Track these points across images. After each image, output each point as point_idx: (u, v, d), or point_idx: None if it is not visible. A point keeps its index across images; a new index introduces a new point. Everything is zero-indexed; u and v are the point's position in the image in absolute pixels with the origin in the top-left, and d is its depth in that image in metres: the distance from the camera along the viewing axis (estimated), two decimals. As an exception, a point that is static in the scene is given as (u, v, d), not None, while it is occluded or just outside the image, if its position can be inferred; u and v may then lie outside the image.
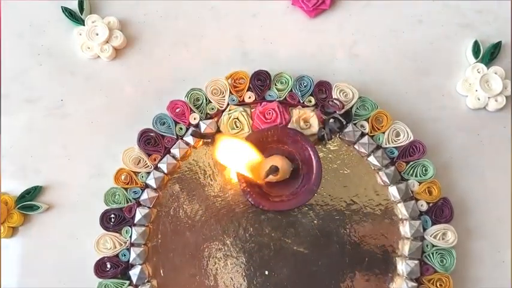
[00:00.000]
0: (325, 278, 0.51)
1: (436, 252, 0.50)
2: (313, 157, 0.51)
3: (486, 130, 0.55)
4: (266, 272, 0.51)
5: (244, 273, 0.51)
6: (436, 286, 0.50)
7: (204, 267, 0.51)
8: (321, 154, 0.54)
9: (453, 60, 0.57)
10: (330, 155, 0.54)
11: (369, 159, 0.53)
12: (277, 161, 0.51)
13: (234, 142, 0.49)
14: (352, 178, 0.53)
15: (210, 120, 0.53)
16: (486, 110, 0.55)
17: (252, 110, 0.54)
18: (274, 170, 0.48)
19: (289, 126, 0.53)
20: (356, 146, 0.53)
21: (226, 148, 0.48)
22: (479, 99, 0.54)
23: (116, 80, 0.56)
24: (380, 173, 0.53)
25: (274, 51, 0.57)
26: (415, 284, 0.50)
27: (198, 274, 0.51)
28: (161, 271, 0.51)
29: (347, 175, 0.54)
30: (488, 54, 0.55)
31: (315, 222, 0.53)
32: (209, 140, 0.52)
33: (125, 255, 0.51)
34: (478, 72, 0.55)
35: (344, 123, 0.52)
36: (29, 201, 0.52)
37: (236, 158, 0.48)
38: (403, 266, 0.50)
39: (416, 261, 0.50)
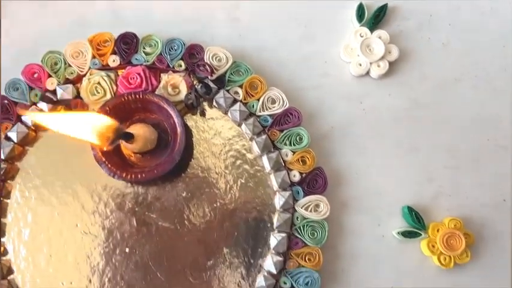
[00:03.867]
0: (190, 254, 0.48)
1: (307, 225, 0.47)
2: (177, 124, 0.47)
3: (369, 98, 0.52)
4: (127, 250, 0.48)
5: (102, 251, 0.47)
6: (305, 260, 0.46)
7: (59, 245, 0.47)
8: (192, 123, 0.50)
9: (339, 24, 0.53)
10: (203, 124, 0.50)
11: (241, 127, 0.50)
12: (138, 129, 0.47)
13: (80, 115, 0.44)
14: (225, 148, 0.50)
15: (68, 85, 0.48)
16: (370, 77, 0.52)
17: (119, 76, 0.50)
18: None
19: (156, 93, 0.49)
20: (229, 114, 0.50)
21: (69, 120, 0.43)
22: (360, 65, 0.51)
23: (-30, 42, 0.51)
24: (252, 142, 0.49)
25: (148, 12, 0.53)
26: (280, 259, 0.46)
27: (53, 253, 0.47)
28: (11, 249, 0.47)
29: (220, 145, 0.50)
30: (373, 18, 0.52)
31: (183, 195, 0.49)
32: (65, 106, 0.48)
33: (-34, 232, 0.46)
34: (361, 36, 0.52)
35: (211, 88, 0.49)
36: None
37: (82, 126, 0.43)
38: (270, 241, 0.47)
39: (283, 234, 0.47)
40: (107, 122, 0.43)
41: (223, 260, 0.47)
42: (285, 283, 0.46)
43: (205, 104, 0.50)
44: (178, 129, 0.47)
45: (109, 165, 0.46)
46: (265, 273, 0.46)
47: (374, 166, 0.51)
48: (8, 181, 0.49)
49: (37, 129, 0.49)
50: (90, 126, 0.42)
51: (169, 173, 0.47)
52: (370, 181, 0.51)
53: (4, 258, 0.47)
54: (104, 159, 0.46)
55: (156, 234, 0.48)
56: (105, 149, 0.43)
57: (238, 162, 0.50)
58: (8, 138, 0.48)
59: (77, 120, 0.41)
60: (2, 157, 0.47)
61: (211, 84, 0.49)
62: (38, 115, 0.41)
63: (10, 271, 0.47)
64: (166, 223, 0.48)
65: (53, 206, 0.48)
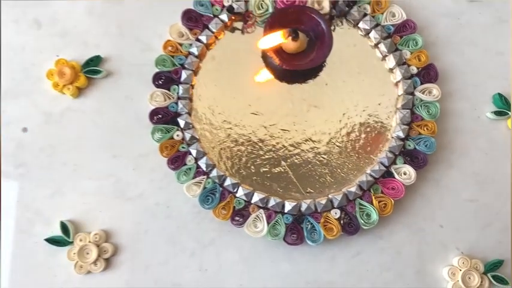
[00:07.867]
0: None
1: (424, 105, 0.63)
2: (325, 29, 0.63)
3: (464, 15, 0.68)
4: (286, 124, 0.64)
5: (266, 127, 0.63)
6: (424, 130, 0.62)
7: (237, 120, 0.63)
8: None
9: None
10: (339, 37, 0.66)
11: (370, 34, 0.65)
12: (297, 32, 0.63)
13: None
14: (356, 54, 0.66)
15: (241, 2, 0.65)
16: (465, 0, 0.68)
17: (277, -4, 0.66)
18: (294, 31, 0.60)
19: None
20: (360, 25, 0.65)
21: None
22: (458, -10, 0.67)
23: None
24: (379, 45, 0.65)
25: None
26: (406, 127, 0.62)
27: (232, 123, 0.63)
28: (203, 116, 0.63)
29: (352, 51, 0.66)
30: (467, -47, 0.68)
31: (327, 84, 0.65)
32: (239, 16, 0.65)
33: (173, 107, 0.62)
34: (459, -33, 0.67)
35: (351, 5, 0.65)
36: (92, 67, 0.63)
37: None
38: (397, 115, 0.63)
39: (407, 110, 0.62)
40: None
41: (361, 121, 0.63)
42: (409, 145, 0.62)
43: (338, 21, 0.66)
44: (326, 33, 0.63)
45: (278, 59, 0.62)
46: (395, 138, 0.62)
47: (470, 66, 0.66)
48: (194, 77, 0.65)
49: (217, 35, 0.65)
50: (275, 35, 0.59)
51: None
52: (467, 77, 0.66)
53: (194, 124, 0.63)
54: (272, 55, 0.62)
55: (309, 113, 0.64)
56: (286, 41, 0.60)
57: (368, 63, 0.65)
58: (198, 40, 0.64)
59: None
60: (196, 53, 0.63)
61: (348, 0, 0.65)
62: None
63: (193, 138, 0.63)
64: (315, 104, 0.64)
65: (230, 91, 0.64)
